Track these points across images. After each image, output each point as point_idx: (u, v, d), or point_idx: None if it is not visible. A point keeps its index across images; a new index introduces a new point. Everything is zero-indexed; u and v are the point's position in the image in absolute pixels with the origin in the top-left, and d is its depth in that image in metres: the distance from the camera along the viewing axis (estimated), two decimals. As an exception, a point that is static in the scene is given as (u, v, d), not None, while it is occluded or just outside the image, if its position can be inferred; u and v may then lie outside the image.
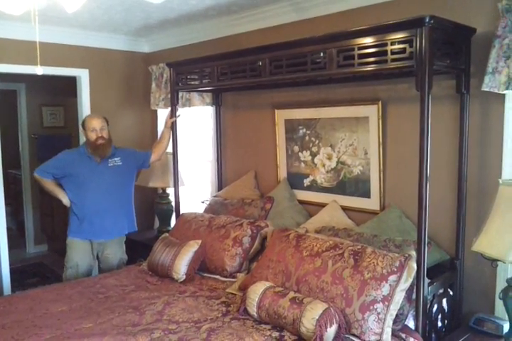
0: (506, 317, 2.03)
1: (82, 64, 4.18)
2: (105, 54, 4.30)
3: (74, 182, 3.26)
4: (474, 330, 2.20)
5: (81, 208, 3.27)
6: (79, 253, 3.30)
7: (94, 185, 3.25)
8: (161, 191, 4.07)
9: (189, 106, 3.88)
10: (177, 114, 3.49)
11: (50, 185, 3.30)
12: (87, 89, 4.27)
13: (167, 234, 3.26)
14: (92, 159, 3.28)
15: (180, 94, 3.77)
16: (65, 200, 3.31)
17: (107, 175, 3.29)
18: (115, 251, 3.41)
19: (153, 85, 4.23)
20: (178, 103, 3.55)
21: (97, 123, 3.26)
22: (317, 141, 3.15)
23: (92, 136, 3.23)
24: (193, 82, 3.33)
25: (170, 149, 3.64)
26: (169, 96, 3.60)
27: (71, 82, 4.34)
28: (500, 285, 2.24)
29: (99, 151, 3.25)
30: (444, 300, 2.36)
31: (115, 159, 3.34)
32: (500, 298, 1.99)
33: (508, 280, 1.98)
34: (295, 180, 3.32)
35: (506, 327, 2.08)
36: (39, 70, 2.34)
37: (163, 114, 4.37)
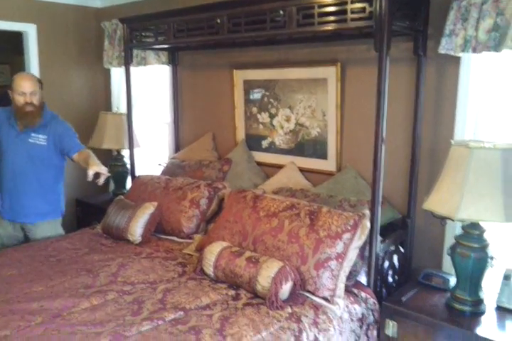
0: (453, 272, 2.12)
1: (29, 18, 3.90)
2: (54, 8, 4.03)
3: None
4: (423, 285, 2.29)
5: (1, 181, 2.95)
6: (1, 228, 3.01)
7: (11, 157, 2.87)
8: (115, 153, 3.96)
9: (144, 64, 3.73)
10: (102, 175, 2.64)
11: None
12: (35, 46, 4.01)
13: (122, 197, 3.19)
14: (14, 126, 2.85)
15: (134, 52, 3.62)
16: None
17: (25, 151, 2.86)
18: (44, 233, 3.01)
19: (106, 43, 4.02)
20: (132, 61, 3.41)
21: (27, 86, 2.76)
22: (276, 103, 3.11)
23: (20, 101, 2.76)
24: (148, 40, 3.20)
25: (124, 110, 3.52)
26: (123, 54, 3.44)
27: (18, 39, 4.07)
28: (449, 242, 2.32)
29: (25, 120, 2.81)
30: (395, 257, 2.44)
31: (39, 136, 2.86)
32: (448, 254, 2.07)
33: (456, 237, 2.05)
34: (253, 142, 3.30)
35: (453, 282, 2.18)
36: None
37: (116, 72, 4.20)
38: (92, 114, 4.18)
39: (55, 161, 2.96)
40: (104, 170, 2.59)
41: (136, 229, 2.78)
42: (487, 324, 1.95)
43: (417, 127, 2.44)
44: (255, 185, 3.07)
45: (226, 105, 3.43)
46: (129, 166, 3.62)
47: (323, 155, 2.91)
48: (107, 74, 4.32)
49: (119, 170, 3.91)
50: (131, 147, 3.47)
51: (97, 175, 2.58)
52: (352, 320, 2.10)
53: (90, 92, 4.34)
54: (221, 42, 2.98)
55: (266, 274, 2.05)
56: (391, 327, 2.11)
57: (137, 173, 3.52)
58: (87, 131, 3.93)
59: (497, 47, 2.06)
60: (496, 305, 2.07)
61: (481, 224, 1.99)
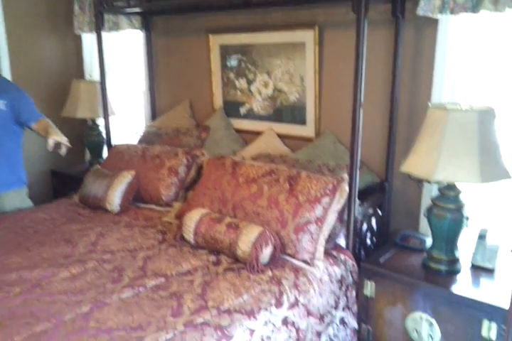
0: (429, 233, 2.16)
1: (-8, -19, 3.71)
2: (18, -31, 3.83)
3: None
4: (400, 246, 2.33)
5: None
6: None
7: None
8: (90, 122, 3.86)
9: (116, 30, 3.59)
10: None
11: None
12: (1, 12, 3.81)
13: (99, 166, 3.14)
14: None
15: (106, 17, 3.47)
16: None
17: None
18: (13, 204, 2.92)
19: (76, 7, 3.84)
20: (103, 26, 3.28)
21: None
22: (253, 68, 3.05)
23: None
24: (119, 3, 3.07)
25: (97, 77, 3.42)
26: (94, 19, 3.31)
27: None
28: (425, 204, 2.36)
29: None
30: (373, 220, 2.47)
31: None
32: (424, 216, 2.10)
33: (432, 199, 2.08)
34: (231, 109, 3.24)
35: (429, 242, 2.22)
36: None
37: (88, 38, 4.05)
38: (63, 81, 4.03)
39: (14, 127, 2.86)
40: (64, 141, 2.56)
41: (114, 199, 2.75)
42: (462, 282, 2.01)
43: (395, 90, 2.43)
44: (234, 152, 3.05)
45: (203, 71, 3.35)
46: (104, 135, 3.54)
47: (301, 121, 2.89)
48: (78, 40, 4.15)
49: (94, 139, 3.83)
50: (105, 115, 3.39)
51: (57, 145, 2.54)
52: (331, 281, 2.14)
53: (61, 59, 4.18)
54: (196, 5, 2.88)
55: (246, 239, 2.06)
56: (369, 287, 2.16)
57: (113, 142, 3.45)
58: (60, 100, 3.83)
59: (474, 8, 2.03)
60: (470, 264, 2.13)
61: (457, 185, 2.01)
